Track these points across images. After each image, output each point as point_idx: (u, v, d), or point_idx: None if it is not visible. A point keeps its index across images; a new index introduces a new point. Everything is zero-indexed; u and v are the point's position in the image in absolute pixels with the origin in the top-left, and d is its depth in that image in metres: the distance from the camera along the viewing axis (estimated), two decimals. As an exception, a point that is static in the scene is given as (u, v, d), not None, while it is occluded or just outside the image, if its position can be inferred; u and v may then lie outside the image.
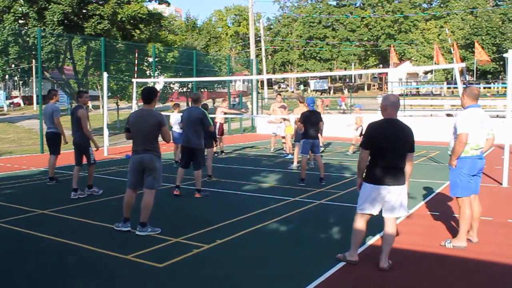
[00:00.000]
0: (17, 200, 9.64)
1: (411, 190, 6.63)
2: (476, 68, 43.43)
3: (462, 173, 6.63)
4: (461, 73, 36.46)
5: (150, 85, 13.77)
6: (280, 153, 17.90)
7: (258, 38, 55.82)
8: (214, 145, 17.25)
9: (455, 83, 29.48)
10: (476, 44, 40.11)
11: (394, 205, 5.82)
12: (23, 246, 6.83)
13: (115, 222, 7.73)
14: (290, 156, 16.90)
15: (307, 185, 11.25)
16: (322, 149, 18.07)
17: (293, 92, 77.07)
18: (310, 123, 11.76)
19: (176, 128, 14.74)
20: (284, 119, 17.34)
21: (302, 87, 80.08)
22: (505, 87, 38.14)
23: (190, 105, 11.81)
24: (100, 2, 24.04)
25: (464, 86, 8.15)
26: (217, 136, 16.83)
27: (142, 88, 9.00)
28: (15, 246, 6.90)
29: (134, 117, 7.62)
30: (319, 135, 17.37)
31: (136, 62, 24.15)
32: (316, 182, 11.60)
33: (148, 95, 7.59)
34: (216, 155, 17.00)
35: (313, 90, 74.27)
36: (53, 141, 11.52)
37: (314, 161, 13.50)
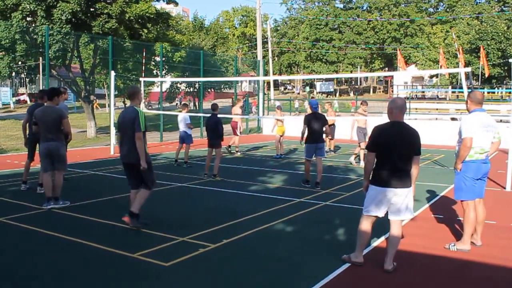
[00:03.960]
0: (23, 197, 9.71)
1: (416, 193, 6.66)
2: (481, 72, 43.38)
3: (466, 177, 6.67)
4: (467, 77, 36.44)
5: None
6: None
7: (265, 40, 55.87)
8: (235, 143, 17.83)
9: (460, 87, 29.30)
10: (481, 50, 40.06)
11: (400, 208, 5.86)
12: (29, 243, 6.89)
13: (121, 220, 7.80)
14: (282, 157, 17.14)
15: (313, 186, 11.27)
16: (332, 153, 18.15)
17: (299, 93, 77.11)
18: (312, 125, 11.42)
19: (181, 127, 14.86)
20: (278, 120, 17.58)
21: (308, 88, 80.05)
22: (510, 92, 38.22)
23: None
24: (108, 1, 24.10)
25: (469, 90, 8.17)
26: (237, 134, 18.27)
27: (49, 88, 10.18)
28: (21, 243, 6.96)
29: (41, 113, 9.09)
30: (328, 139, 17.53)
31: (143, 61, 24.22)
32: (321, 183, 11.60)
33: (51, 93, 9.26)
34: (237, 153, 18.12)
35: (319, 92, 74.25)
36: None
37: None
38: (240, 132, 18.82)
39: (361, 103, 16.04)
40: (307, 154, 11.61)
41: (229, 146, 18.54)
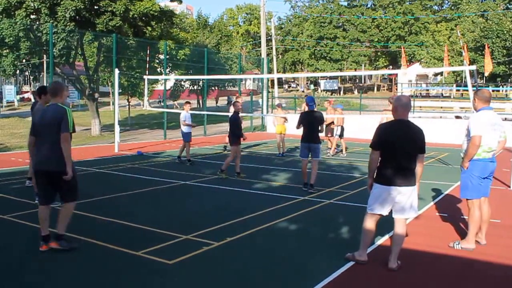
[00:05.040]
0: (27, 195, 9.67)
1: (420, 191, 6.63)
2: (486, 70, 43.21)
3: (473, 175, 6.63)
4: (471, 75, 36.31)
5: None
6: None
7: (269, 37, 55.77)
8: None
9: (465, 85, 29.13)
10: (486, 48, 39.83)
11: (404, 206, 5.84)
12: (34, 241, 6.88)
13: (126, 218, 7.80)
14: (284, 155, 17.10)
15: (317, 185, 11.16)
16: (340, 151, 17.94)
17: (303, 91, 77.05)
18: (306, 124, 10.84)
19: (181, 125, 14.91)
20: (281, 117, 17.60)
21: (312, 86, 79.98)
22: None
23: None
24: (112, -1, 24.13)
25: (474, 88, 8.13)
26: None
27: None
28: (26, 240, 6.96)
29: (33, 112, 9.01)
30: (332, 137, 17.45)
31: (147, 59, 24.23)
32: (325, 181, 11.57)
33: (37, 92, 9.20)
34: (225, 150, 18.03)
35: (323, 90, 74.15)
36: None
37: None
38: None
39: (390, 100, 15.83)
40: (301, 153, 11.05)
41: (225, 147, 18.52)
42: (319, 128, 10.91)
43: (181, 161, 14.86)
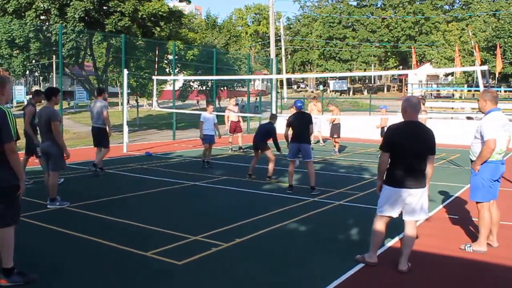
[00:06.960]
0: (38, 195, 9.68)
1: (430, 193, 6.57)
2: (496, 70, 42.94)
3: (484, 178, 6.54)
4: (483, 75, 35.96)
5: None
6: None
7: (278, 38, 55.76)
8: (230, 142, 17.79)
9: (477, 86, 28.92)
10: (498, 48, 39.56)
11: (414, 208, 5.79)
12: (44, 241, 6.90)
13: (135, 218, 7.78)
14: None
15: (325, 185, 11.10)
16: (336, 153, 17.81)
17: (312, 92, 77.00)
18: (295, 125, 10.79)
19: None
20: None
21: (321, 87, 79.89)
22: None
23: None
24: (121, -1, 24.21)
25: (486, 89, 8.03)
26: (229, 133, 18.67)
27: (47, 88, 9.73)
28: (38, 240, 6.97)
29: (38, 113, 9.13)
30: (332, 138, 17.42)
31: (156, 60, 24.27)
32: (335, 183, 11.50)
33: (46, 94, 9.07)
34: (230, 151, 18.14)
35: (332, 91, 74.06)
36: (102, 135, 12.52)
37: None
38: (233, 132, 18.64)
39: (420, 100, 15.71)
40: (289, 154, 10.96)
41: (240, 147, 18.52)
42: (309, 129, 10.84)
43: (210, 165, 14.59)
